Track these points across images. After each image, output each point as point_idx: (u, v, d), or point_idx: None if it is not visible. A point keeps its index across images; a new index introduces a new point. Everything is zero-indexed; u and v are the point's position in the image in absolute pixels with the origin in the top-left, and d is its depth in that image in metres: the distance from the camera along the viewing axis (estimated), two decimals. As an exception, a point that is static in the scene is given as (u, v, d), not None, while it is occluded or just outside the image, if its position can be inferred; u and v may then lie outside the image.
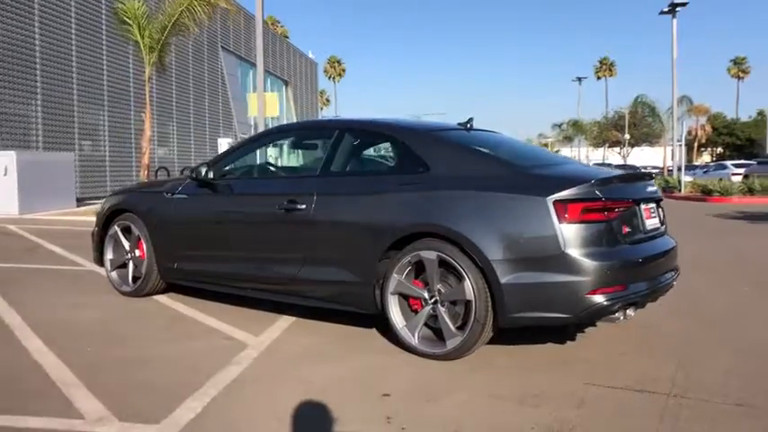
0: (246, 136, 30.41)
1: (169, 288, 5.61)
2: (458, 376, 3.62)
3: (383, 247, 4.04)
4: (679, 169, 24.11)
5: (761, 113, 67.95)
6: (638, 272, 3.74)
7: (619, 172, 4.09)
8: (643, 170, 45.25)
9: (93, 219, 6.44)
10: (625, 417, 3.08)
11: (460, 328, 3.81)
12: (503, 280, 3.61)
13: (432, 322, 3.97)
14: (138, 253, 5.53)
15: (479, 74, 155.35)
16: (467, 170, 3.99)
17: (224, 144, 23.27)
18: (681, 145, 23.93)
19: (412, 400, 3.28)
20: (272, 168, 5.78)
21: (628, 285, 3.64)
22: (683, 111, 32.69)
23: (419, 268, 3.99)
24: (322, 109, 65.00)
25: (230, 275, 4.89)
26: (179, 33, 14.17)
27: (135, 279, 5.59)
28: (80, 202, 16.03)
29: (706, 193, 21.30)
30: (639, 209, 3.95)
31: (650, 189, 4.16)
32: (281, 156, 15.75)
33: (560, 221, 3.55)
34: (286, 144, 5.90)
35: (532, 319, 3.66)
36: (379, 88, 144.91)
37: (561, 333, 4.35)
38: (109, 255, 5.76)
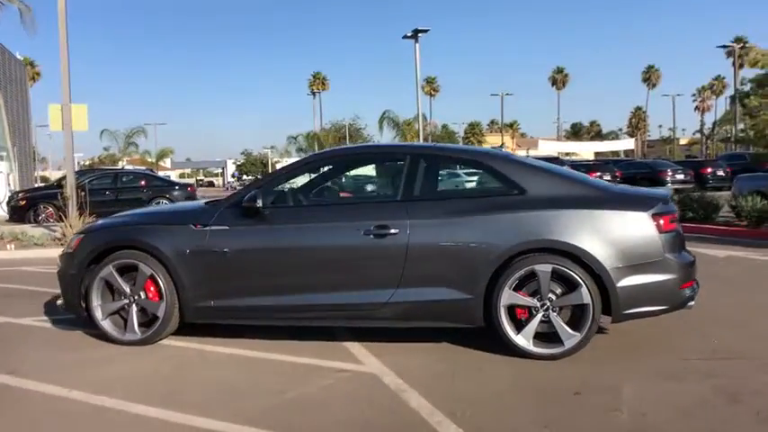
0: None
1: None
2: (592, 368, 4.20)
3: (497, 265, 4.40)
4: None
5: (444, 126, 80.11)
6: (694, 270, 4.72)
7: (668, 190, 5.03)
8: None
9: None
10: (754, 376, 4.01)
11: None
12: (618, 284, 4.30)
13: (539, 327, 4.45)
14: (145, 295, 4.89)
15: (200, 83, 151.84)
16: (559, 191, 4.57)
17: None
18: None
19: (604, 392, 3.79)
20: (328, 194, 5.54)
21: (695, 280, 4.63)
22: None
23: (521, 281, 4.46)
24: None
25: (295, 308, 4.70)
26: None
27: (143, 325, 4.93)
28: None
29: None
30: None
31: None
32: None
33: (659, 231, 4.37)
34: (339, 169, 5.58)
35: (638, 313, 4.42)
36: (90, 94, 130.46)
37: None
38: (96, 300, 4.97)
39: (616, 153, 64.83)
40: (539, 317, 4.41)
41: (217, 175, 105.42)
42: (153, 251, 4.82)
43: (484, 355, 4.54)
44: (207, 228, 4.79)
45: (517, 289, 4.44)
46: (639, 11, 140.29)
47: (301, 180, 5.16)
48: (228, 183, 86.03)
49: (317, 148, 48.25)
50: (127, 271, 4.96)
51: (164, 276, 4.82)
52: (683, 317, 5.26)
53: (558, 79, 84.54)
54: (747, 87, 12.00)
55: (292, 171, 5.06)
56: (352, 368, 4.32)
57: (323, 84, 74.99)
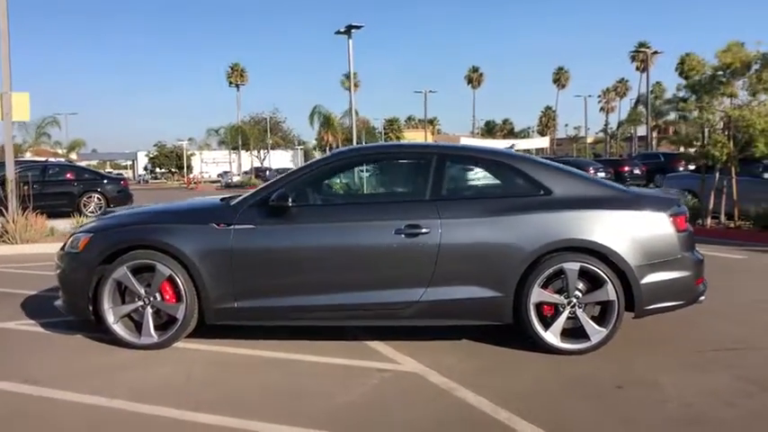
0: None
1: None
2: (617, 363, 4.40)
3: (528, 263, 4.53)
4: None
5: (364, 122, 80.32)
6: (703, 267, 5.00)
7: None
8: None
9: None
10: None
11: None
12: (642, 281, 4.53)
13: (565, 324, 4.62)
14: (161, 297, 4.71)
15: (111, 72, 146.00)
16: (582, 192, 4.74)
17: None
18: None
19: (643, 386, 3.99)
20: (354, 192, 5.45)
21: (704, 276, 4.93)
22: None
23: (547, 279, 4.61)
24: None
25: (325, 307, 4.65)
26: None
27: (159, 327, 4.74)
28: None
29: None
30: None
31: None
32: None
33: (677, 231, 4.64)
34: (363, 166, 5.47)
35: (658, 308, 4.67)
36: None
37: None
38: (107, 303, 4.73)
39: (528, 151, 67.30)
40: (565, 313, 4.57)
41: (126, 167, 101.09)
42: (172, 251, 4.64)
43: (509, 351, 4.67)
44: (231, 227, 4.66)
45: (543, 287, 4.59)
46: (551, 15, 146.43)
47: (325, 178, 5.08)
48: (140, 176, 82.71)
49: (240, 140, 47.15)
50: (139, 272, 4.75)
51: (183, 277, 4.65)
52: (676, 311, 5.61)
53: (474, 78, 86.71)
54: (683, 93, 12.80)
55: (317, 169, 4.97)
56: (392, 368, 4.34)
57: (241, 76, 72.92)
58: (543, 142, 59.78)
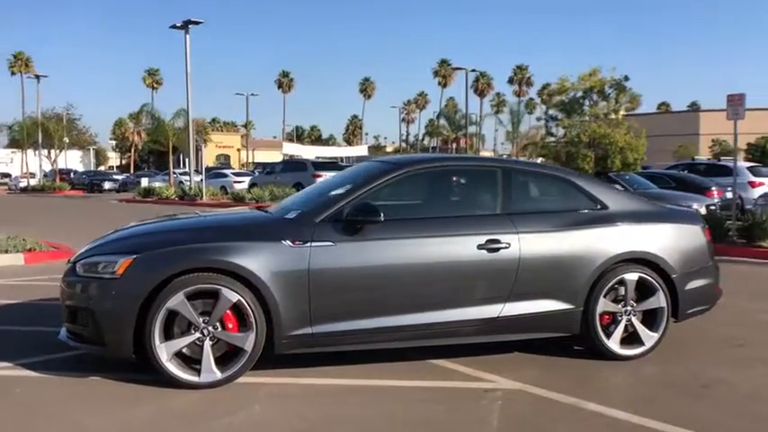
0: None
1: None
2: (674, 364, 4.74)
3: (597, 275, 4.70)
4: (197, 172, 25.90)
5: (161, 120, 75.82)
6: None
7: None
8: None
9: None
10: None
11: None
12: (685, 288, 4.94)
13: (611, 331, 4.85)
14: (222, 326, 4.12)
15: None
16: (631, 206, 5.03)
17: None
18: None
19: (720, 384, 4.35)
20: (419, 206, 5.03)
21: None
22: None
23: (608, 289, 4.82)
24: None
25: (405, 328, 4.40)
26: None
27: (220, 362, 4.12)
28: None
29: (239, 200, 23.67)
30: None
31: None
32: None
33: (707, 242, 5.13)
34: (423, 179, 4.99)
35: (693, 312, 5.11)
36: None
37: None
38: (158, 338, 4.00)
39: (339, 158, 68.64)
40: (624, 321, 4.82)
41: None
42: (243, 273, 4.07)
43: (571, 360, 4.81)
44: (308, 244, 4.20)
45: (604, 297, 4.80)
46: (361, 25, 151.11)
47: (390, 191, 4.74)
48: None
49: (41, 137, 41.64)
50: (193, 298, 4.09)
51: (253, 303, 4.10)
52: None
53: (285, 83, 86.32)
54: (552, 111, 14.12)
55: (383, 182, 4.60)
56: (493, 386, 4.23)
57: (26, 65, 64.98)
58: (362, 151, 61.35)
